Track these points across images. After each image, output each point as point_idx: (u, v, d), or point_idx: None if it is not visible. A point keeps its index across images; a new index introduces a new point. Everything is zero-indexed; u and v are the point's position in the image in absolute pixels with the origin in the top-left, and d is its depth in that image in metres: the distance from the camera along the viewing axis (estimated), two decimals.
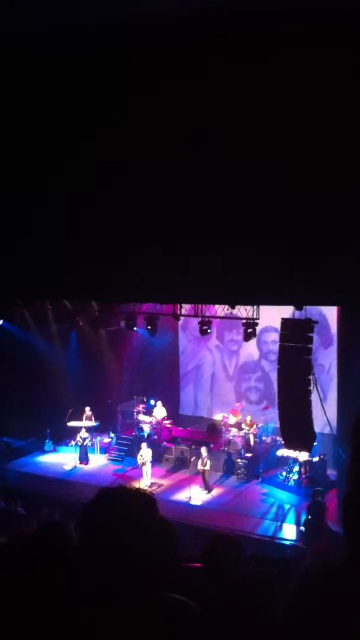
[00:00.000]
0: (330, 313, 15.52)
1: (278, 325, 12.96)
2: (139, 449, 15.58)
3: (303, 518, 13.04)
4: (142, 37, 3.81)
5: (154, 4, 3.47)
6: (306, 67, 3.86)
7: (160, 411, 17.64)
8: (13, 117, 4.48)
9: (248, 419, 16.79)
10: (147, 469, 15.36)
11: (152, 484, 15.26)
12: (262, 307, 14.27)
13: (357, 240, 4.64)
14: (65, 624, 1.83)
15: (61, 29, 3.72)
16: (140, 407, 17.89)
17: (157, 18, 3.56)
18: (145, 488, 12.84)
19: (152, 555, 1.75)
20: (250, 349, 18.16)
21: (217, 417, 18.12)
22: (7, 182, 4.85)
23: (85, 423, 17.53)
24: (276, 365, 12.97)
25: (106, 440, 18.27)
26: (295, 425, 12.52)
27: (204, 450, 15.17)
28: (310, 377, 12.23)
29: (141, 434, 17.26)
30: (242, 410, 17.60)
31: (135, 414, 17.83)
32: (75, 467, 16.88)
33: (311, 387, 12.22)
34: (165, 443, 17.26)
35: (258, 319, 14.34)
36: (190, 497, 14.60)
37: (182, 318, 16.17)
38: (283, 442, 13.92)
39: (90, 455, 17.24)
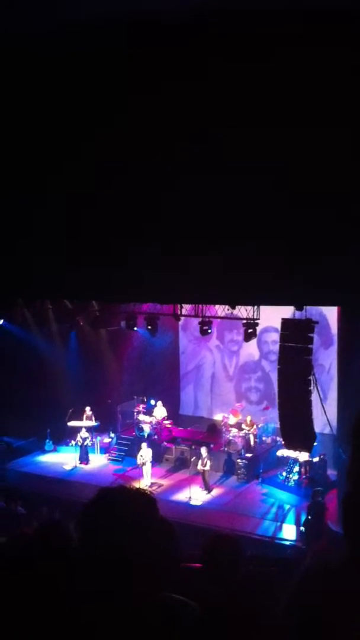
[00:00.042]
0: (331, 313, 15.51)
1: (278, 326, 12.97)
2: (139, 449, 15.57)
3: (303, 518, 13.03)
4: (142, 37, 3.81)
5: (154, 4, 3.47)
6: (306, 67, 3.86)
7: (160, 411, 17.63)
8: (13, 117, 4.48)
9: (248, 419, 16.78)
10: (147, 469, 15.35)
11: (152, 484, 15.25)
12: (262, 307, 14.25)
13: (357, 240, 4.64)
14: (66, 624, 1.83)
15: (61, 29, 3.72)
16: (141, 407, 17.88)
17: (157, 18, 3.56)
18: (145, 488, 12.83)
19: (152, 555, 1.75)
20: (251, 349, 18.16)
21: (217, 417, 18.11)
22: (7, 182, 4.85)
23: (85, 423, 17.52)
24: (276, 366, 12.99)
25: (106, 440, 18.26)
26: (296, 426, 12.52)
27: (204, 451, 15.16)
28: (311, 377, 12.24)
29: (141, 434, 17.26)
30: (242, 411, 17.58)
31: (135, 414, 17.82)
32: (76, 467, 16.87)
33: (311, 387, 12.23)
34: (166, 443, 17.26)
35: (258, 319, 14.32)
36: (190, 497, 14.59)
37: (182, 318, 16.16)
38: (283, 442, 13.92)
39: (90, 455, 17.23)
